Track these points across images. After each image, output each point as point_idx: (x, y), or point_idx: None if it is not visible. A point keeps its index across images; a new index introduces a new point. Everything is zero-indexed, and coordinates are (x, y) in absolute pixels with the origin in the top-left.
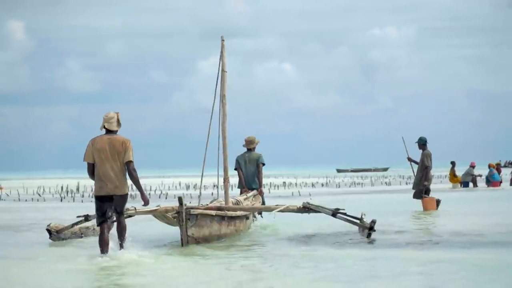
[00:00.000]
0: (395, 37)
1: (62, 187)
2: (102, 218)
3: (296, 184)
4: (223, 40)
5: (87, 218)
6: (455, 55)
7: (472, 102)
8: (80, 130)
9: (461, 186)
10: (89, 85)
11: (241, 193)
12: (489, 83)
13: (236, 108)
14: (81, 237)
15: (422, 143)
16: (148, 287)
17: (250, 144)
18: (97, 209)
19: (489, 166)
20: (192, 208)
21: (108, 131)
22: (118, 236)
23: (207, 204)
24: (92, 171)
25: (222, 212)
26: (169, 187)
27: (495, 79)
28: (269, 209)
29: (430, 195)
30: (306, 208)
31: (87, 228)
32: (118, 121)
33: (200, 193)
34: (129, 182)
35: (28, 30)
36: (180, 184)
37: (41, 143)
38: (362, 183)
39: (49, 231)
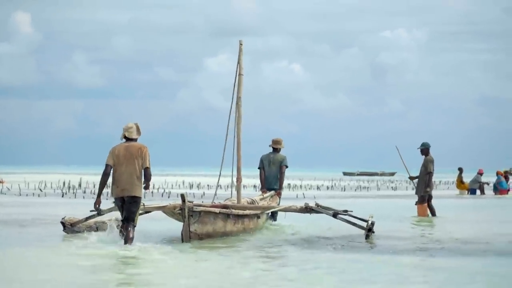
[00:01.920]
0: (406, 40)
1: (64, 183)
2: (123, 218)
3: (301, 186)
4: (241, 44)
5: (99, 212)
6: (467, 60)
7: (482, 107)
8: (85, 126)
9: (468, 193)
10: (95, 80)
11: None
12: (501, 89)
13: (244, 108)
14: (96, 230)
15: (427, 149)
16: (137, 281)
17: (276, 144)
18: (119, 209)
19: (497, 173)
20: (195, 205)
21: (128, 139)
22: (125, 237)
23: (220, 203)
24: (106, 174)
25: (227, 210)
26: (172, 185)
27: (507, 85)
28: (272, 208)
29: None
30: (308, 209)
31: (103, 222)
32: (137, 129)
33: (216, 191)
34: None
35: (34, 23)
36: (183, 183)
37: (44, 137)
38: (368, 187)
39: (63, 224)
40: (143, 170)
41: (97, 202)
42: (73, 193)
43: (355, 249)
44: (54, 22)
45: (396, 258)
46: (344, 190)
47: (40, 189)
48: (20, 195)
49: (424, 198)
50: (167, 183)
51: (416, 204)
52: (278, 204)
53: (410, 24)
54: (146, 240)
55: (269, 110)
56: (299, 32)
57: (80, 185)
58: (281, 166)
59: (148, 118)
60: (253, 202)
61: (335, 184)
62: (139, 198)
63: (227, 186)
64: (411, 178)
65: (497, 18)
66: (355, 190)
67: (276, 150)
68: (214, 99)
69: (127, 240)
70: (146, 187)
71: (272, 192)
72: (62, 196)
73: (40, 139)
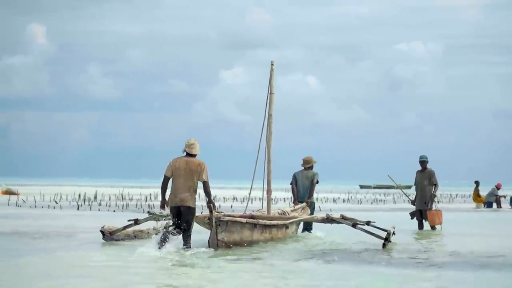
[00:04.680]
0: (421, 53)
1: (79, 195)
2: (174, 224)
3: (317, 199)
4: (272, 64)
5: (136, 221)
6: (483, 73)
7: (499, 121)
8: (99, 138)
9: (484, 206)
10: (110, 92)
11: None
12: None
13: (259, 120)
14: (134, 238)
15: (427, 161)
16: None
17: (306, 164)
18: (172, 217)
19: None
20: (224, 215)
21: (188, 154)
22: (184, 242)
23: (251, 213)
24: (165, 184)
25: (254, 220)
26: None
27: None
28: (295, 218)
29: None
30: (329, 219)
31: (141, 231)
32: (198, 147)
33: (247, 203)
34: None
35: (49, 35)
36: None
37: (59, 149)
38: (384, 200)
39: (102, 232)
40: (203, 183)
41: (162, 205)
42: (89, 205)
43: (374, 262)
44: (69, 34)
45: (413, 271)
46: (361, 203)
47: (56, 202)
48: (36, 207)
49: (432, 204)
50: None
51: (413, 216)
52: (310, 214)
53: (425, 36)
54: (173, 247)
55: (284, 122)
56: (313, 45)
57: (95, 197)
58: (313, 179)
59: (163, 130)
60: (284, 213)
61: (351, 197)
62: (194, 208)
63: (243, 198)
64: (413, 202)
65: None
66: (371, 203)
67: (307, 168)
68: (229, 111)
69: (186, 244)
70: (210, 204)
71: (304, 204)
72: (78, 209)
73: (55, 151)
